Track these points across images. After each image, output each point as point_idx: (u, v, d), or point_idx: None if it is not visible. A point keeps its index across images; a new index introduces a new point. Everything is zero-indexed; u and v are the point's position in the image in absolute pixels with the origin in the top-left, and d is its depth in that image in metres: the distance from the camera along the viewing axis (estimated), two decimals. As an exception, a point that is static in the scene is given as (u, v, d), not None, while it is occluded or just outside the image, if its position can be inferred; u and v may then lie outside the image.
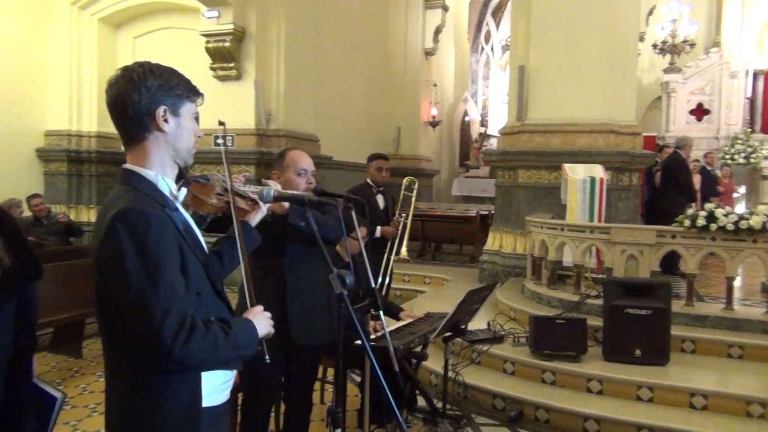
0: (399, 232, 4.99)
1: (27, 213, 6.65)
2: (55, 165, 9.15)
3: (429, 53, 13.13)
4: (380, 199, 5.06)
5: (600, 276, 5.29)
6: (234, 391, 3.12)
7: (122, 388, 1.53)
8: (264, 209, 2.04)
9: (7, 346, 2.04)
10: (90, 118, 9.22)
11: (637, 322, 4.07)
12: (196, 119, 1.64)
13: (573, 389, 4.00)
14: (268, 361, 1.68)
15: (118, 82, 1.51)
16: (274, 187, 2.10)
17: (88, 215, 9.07)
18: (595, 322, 4.43)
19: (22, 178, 8.56)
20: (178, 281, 1.45)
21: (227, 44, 7.74)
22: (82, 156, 9.18)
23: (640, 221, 6.80)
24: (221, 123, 2.00)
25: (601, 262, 5.29)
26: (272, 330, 1.69)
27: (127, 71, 1.52)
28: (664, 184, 7.13)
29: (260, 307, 1.71)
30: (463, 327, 3.66)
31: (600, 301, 4.47)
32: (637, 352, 4.06)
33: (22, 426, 2.04)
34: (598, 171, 5.70)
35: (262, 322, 1.66)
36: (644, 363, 4.03)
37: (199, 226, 1.80)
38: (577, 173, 5.68)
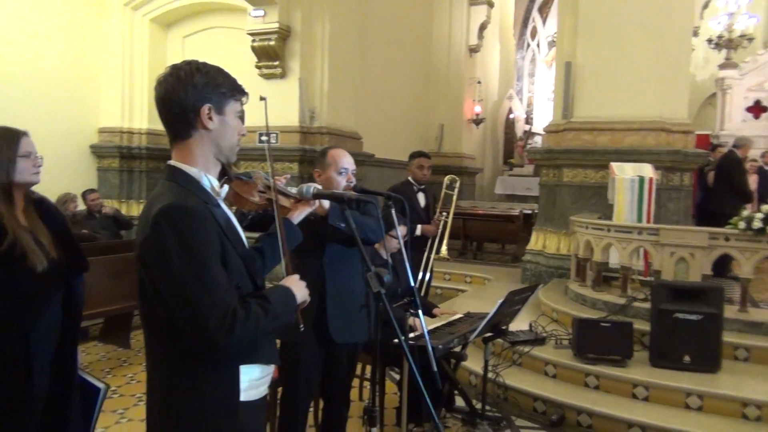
0: (439, 230, 4.96)
1: (81, 207, 6.90)
2: (108, 161, 9.48)
3: (473, 50, 12.98)
4: (421, 198, 5.04)
5: (648, 279, 5.13)
6: (273, 387, 3.17)
7: (162, 381, 1.56)
8: (309, 207, 2.06)
9: (54, 338, 2.11)
10: (141, 115, 9.52)
11: (686, 328, 3.93)
12: (241, 118, 1.67)
13: (617, 395, 3.89)
14: (302, 329, 1.71)
15: (166, 80, 1.54)
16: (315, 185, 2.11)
17: (138, 210, 9.36)
18: (641, 326, 4.29)
19: (77, 174, 8.91)
20: (221, 274, 1.47)
21: (272, 43, 7.83)
22: (133, 152, 9.48)
23: (692, 223, 6.57)
24: (262, 98, 1.97)
25: (649, 265, 5.12)
26: (308, 297, 1.72)
27: (175, 69, 1.55)
28: (717, 185, 6.86)
29: (296, 276, 1.73)
30: (503, 328, 3.61)
31: (647, 305, 4.33)
32: (686, 358, 3.92)
33: (68, 416, 2.11)
34: (648, 170, 5.52)
35: (299, 288, 1.69)
36: (693, 370, 3.88)
37: (240, 223, 1.83)
38: (625, 172, 5.52)
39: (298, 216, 2.04)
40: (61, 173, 8.42)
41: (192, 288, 1.41)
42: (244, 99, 1.66)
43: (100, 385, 2.21)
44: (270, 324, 1.54)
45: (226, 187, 1.69)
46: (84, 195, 6.99)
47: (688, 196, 6.48)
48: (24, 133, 2.16)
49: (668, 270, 4.59)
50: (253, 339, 1.52)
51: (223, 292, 1.44)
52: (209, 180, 1.61)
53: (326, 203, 2.44)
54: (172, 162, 1.60)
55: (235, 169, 1.82)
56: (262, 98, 1.96)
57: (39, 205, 2.21)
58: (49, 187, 6.82)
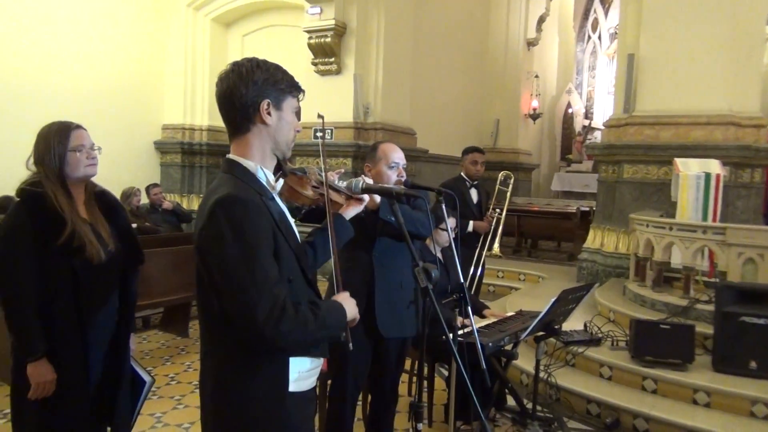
0: (492, 227, 4.89)
1: (144, 201, 7.19)
2: (170, 156, 9.85)
3: (531, 43, 12.70)
4: (474, 193, 4.98)
5: (712, 280, 4.89)
6: (322, 379, 3.22)
7: (214, 368, 1.61)
8: (363, 204, 2.10)
9: (110, 327, 2.20)
10: (202, 112, 9.84)
11: (753, 332, 3.73)
12: (297, 114, 1.70)
13: (676, 400, 3.73)
14: (351, 348, 1.72)
15: (228, 76, 1.59)
16: (364, 179, 2.13)
17: (198, 204, 9.68)
18: (704, 329, 4.11)
19: (141, 168, 9.30)
20: (272, 266, 1.50)
21: (328, 39, 7.92)
22: (194, 148, 9.81)
23: (762, 222, 6.22)
24: (320, 116, 2.06)
25: (714, 265, 4.89)
26: (358, 315, 1.73)
27: (236, 66, 1.60)
28: None
29: (347, 293, 1.75)
30: (556, 327, 3.53)
31: (711, 307, 4.14)
32: (753, 364, 3.72)
33: (118, 404, 2.19)
34: (714, 166, 5.26)
35: (349, 305, 1.70)
36: (760, 377, 3.68)
37: (294, 217, 1.86)
38: (689, 168, 5.28)
39: (349, 213, 2.06)
40: (126, 168, 8.82)
41: (242, 277, 1.45)
42: (300, 96, 1.70)
43: (147, 378, 2.28)
44: (318, 330, 1.55)
45: (281, 181, 1.73)
46: (147, 189, 7.28)
47: (759, 194, 6.14)
48: (76, 127, 2.21)
49: (735, 271, 4.37)
50: (301, 342, 1.55)
51: (272, 284, 1.47)
52: (265, 173, 1.64)
53: (377, 197, 2.45)
54: (230, 156, 1.65)
55: (290, 164, 1.86)
56: (320, 116, 2.06)
57: (101, 197, 2.29)
58: (114, 182, 7.16)
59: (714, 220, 5.04)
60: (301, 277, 1.66)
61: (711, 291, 4.42)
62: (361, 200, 2.10)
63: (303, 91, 1.70)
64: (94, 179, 2.30)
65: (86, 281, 2.10)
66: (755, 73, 6.18)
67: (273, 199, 1.65)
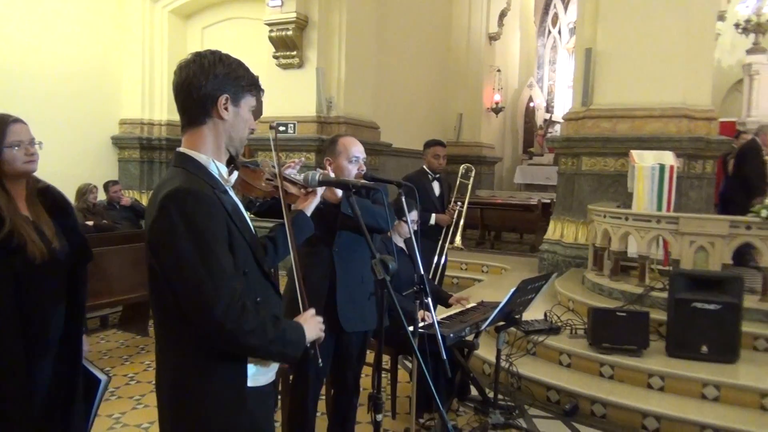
0: (454, 219, 4.93)
1: (101, 197, 7.01)
2: (129, 152, 9.62)
3: (493, 38, 12.82)
4: (436, 186, 5.01)
5: (667, 268, 5.05)
6: (284, 375, 3.21)
7: (171, 366, 1.58)
8: (318, 196, 2.08)
9: (58, 327, 2.10)
10: (161, 106, 9.64)
11: (704, 317, 3.86)
12: (258, 112, 1.69)
13: (632, 385, 3.85)
14: (321, 365, 1.71)
15: (188, 66, 1.56)
16: (321, 172, 2.12)
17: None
18: (659, 316, 4.24)
19: (98, 165, 9.06)
20: (228, 259, 1.48)
21: (290, 33, 7.84)
22: (153, 143, 9.60)
23: (714, 212, 6.44)
24: (272, 127, 2.04)
25: (668, 254, 5.04)
26: (322, 335, 1.71)
27: (198, 57, 1.58)
28: (736, 173, 6.75)
29: (312, 311, 1.73)
30: (516, 317, 3.59)
31: (665, 295, 4.27)
32: (704, 348, 3.86)
33: (73, 406, 2.10)
34: (669, 158, 5.41)
35: (312, 326, 1.68)
36: (711, 360, 3.82)
37: (248, 210, 1.84)
38: (645, 160, 5.42)
39: (308, 208, 2.06)
40: (82, 164, 8.57)
41: (197, 271, 1.42)
42: (260, 95, 1.69)
43: (102, 377, 2.21)
44: (277, 340, 1.52)
45: (235, 174, 1.71)
46: (107, 186, 7.11)
47: (711, 185, 6.35)
48: (14, 121, 2.09)
49: (688, 259, 4.51)
50: (258, 346, 1.50)
51: (229, 277, 1.45)
52: (217, 166, 1.62)
53: (339, 191, 2.44)
54: (181, 149, 1.62)
55: (242, 158, 1.84)
56: (272, 127, 2.02)
57: (44, 194, 2.18)
58: (71, 178, 6.98)
59: (668, 210, 5.19)
60: (257, 270, 1.64)
61: (665, 279, 4.56)
62: (315, 193, 2.08)
63: (262, 91, 1.69)
64: (48, 177, 2.19)
65: (29, 282, 1.99)
66: (707, 67, 6.38)
67: (226, 192, 1.62)
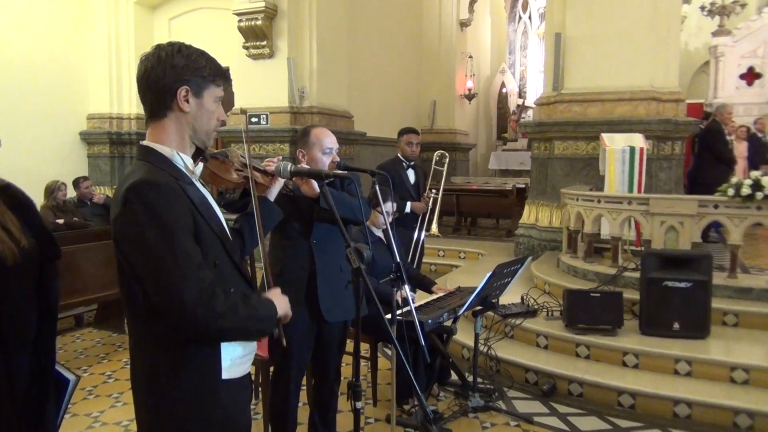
0: (430, 207, 4.95)
1: (71, 194, 6.87)
2: (98, 147, 9.43)
3: (464, 24, 12.83)
4: (411, 174, 5.02)
5: (639, 248, 5.15)
6: (265, 366, 3.20)
7: (144, 361, 1.57)
8: (281, 181, 2.07)
9: (31, 328, 2.04)
10: (130, 100, 9.45)
11: (675, 295, 3.96)
12: (229, 102, 1.65)
13: (608, 363, 3.94)
14: (285, 344, 1.73)
15: (147, 59, 1.54)
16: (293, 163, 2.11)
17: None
18: (632, 295, 4.33)
19: (66, 161, 8.88)
20: (194, 248, 1.47)
21: (259, 22, 7.73)
22: (123, 138, 9.43)
23: (683, 192, 6.58)
24: (243, 111, 2.02)
25: (640, 235, 5.14)
26: (290, 312, 1.72)
27: (157, 49, 1.56)
28: (700, 154, 6.94)
29: (278, 290, 1.74)
30: (493, 301, 3.64)
31: (637, 274, 4.36)
32: (676, 325, 3.96)
33: (46, 408, 2.05)
34: (638, 140, 5.51)
35: (280, 302, 1.68)
36: (683, 337, 3.92)
37: (219, 203, 1.82)
38: (615, 143, 5.50)
39: (272, 190, 2.05)
40: (50, 161, 8.40)
41: (164, 261, 1.41)
42: (226, 85, 1.64)
43: (71, 377, 2.17)
44: (249, 320, 1.53)
45: (200, 165, 1.68)
46: (77, 183, 6.97)
47: (680, 165, 6.48)
48: None
49: (658, 239, 4.61)
50: (233, 328, 1.51)
51: (196, 267, 1.44)
52: (182, 158, 1.59)
53: (316, 186, 2.43)
54: (144, 142, 1.59)
55: (211, 149, 1.82)
56: (242, 112, 2.00)
57: (4, 192, 2.10)
58: (39, 175, 6.81)
59: (639, 191, 5.28)
60: (228, 262, 1.63)
61: (638, 259, 4.65)
62: (277, 178, 2.07)
63: (229, 80, 1.67)
64: (15, 176, 2.12)
65: (2, 282, 1.92)
66: (674, 50, 6.48)
67: (192, 183, 1.60)
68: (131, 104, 9.44)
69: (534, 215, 6.86)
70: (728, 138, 7.13)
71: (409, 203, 4.88)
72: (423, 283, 3.95)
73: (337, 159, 2.76)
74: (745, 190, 4.26)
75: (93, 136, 9.36)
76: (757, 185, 4.24)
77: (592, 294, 4.21)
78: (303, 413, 3.04)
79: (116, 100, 9.38)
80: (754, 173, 4.39)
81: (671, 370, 3.75)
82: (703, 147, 6.92)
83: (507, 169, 13.81)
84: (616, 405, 3.66)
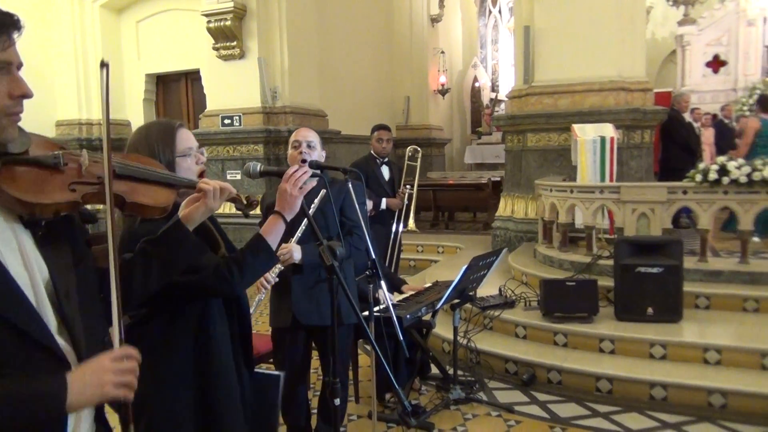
0: (405, 203, 4.97)
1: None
2: (68, 154, 9.25)
3: (435, 20, 12.88)
4: (385, 171, 5.02)
5: (613, 237, 5.23)
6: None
7: None
8: (215, 206, 1.48)
9: None
10: (98, 105, 9.28)
11: (648, 281, 4.04)
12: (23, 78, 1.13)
13: (585, 350, 4.00)
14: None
15: None
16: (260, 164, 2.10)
17: (104, 202, 9.19)
18: (607, 282, 4.40)
19: (36, 169, 8.68)
20: None
21: (228, 23, 7.66)
22: (93, 144, 9.21)
23: (654, 179, 6.69)
24: (103, 64, 1.25)
25: (613, 223, 5.22)
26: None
27: None
28: (665, 143, 7.10)
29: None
30: (471, 294, 3.67)
31: (611, 262, 4.42)
32: (650, 310, 4.04)
33: None
34: (609, 130, 5.59)
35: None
36: (657, 321, 4.00)
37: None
38: (586, 134, 5.58)
39: (195, 217, 1.48)
40: (19, 170, 8.20)
41: None
42: (15, 35, 1.14)
43: None
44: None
45: None
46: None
47: (650, 154, 6.59)
48: None
49: (631, 226, 4.69)
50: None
51: None
52: None
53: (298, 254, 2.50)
54: None
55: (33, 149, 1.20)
56: (103, 65, 1.25)
57: None
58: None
59: (611, 180, 5.36)
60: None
61: (612, 247, 4.73)
62: (201, 190, 1.46)
63: (19, 30, 1.14)
64: None
65: None
66: (640, 40, 6.58)
67: None
68: (101, 109, 9.29)
69: (510, 207, 6.93)
70: (695, 125, 7.28)
71: (384, 200, 4.89)
72: (393, 283, 3.92)
73: (309, 155, 2.72)
74: (712, 176, 4.36)
75: (62, 144, 9.17)
76: (723, 170, 4.34)
77: (567, 283, 4.27)
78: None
79: (85, 105, 9.20)
80: (720, 159, 4.50)
81: (646, 354, 3.82)
82: (665, 135, 7.07)
83: (482, 162, 13.89)
84: (595, 390, 3.72)
